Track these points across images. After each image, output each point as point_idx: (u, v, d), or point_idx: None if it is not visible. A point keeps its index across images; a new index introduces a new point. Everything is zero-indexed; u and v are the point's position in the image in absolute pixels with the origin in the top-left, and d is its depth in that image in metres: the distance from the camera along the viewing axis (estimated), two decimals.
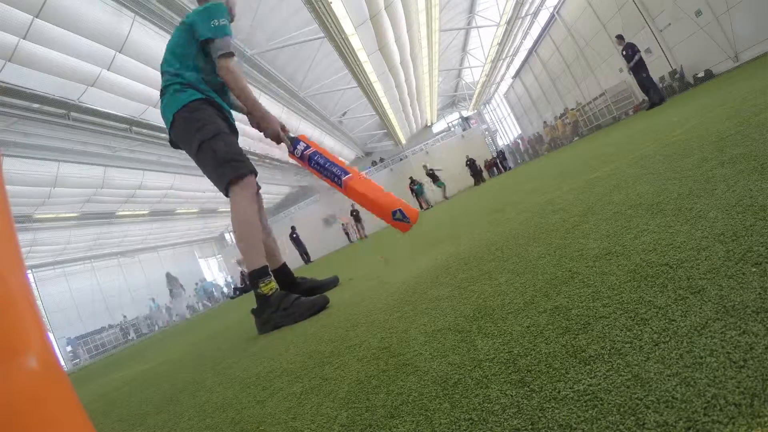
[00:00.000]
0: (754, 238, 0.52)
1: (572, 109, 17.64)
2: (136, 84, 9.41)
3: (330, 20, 9.33)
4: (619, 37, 8.85)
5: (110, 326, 19.37)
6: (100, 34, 7.73)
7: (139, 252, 23.48)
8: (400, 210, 1.57)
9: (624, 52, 8.52)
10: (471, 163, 17.78)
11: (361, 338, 0.89)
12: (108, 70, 8.73)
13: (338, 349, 0.88)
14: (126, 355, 5.38)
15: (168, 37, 8.70)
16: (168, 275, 21.17)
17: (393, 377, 0.60)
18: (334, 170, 1.70)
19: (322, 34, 10.33)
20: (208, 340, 2.43)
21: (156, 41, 8.57)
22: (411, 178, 16.71)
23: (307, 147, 1.78)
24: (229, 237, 30.21)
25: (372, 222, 19.14)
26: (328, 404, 0.61)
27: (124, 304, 21.03)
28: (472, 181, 18.43)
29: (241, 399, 0.82)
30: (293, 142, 1.80)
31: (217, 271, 29.79)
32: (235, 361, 1.24)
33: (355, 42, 11.02)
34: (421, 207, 15.55)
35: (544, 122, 20.96)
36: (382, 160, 25.60)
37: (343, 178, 1.67)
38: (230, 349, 1.57)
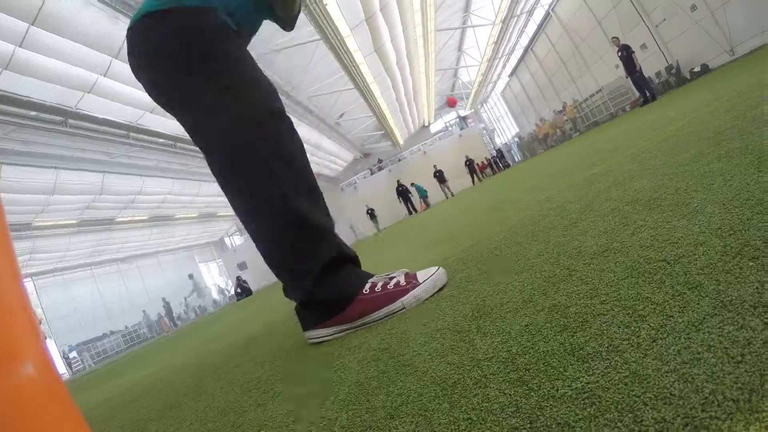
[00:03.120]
0: (751, 232, 0.52)
1: (570, 105, 17.65)
2: (132, 90, 9.40)
3: (325, 22, 9.35)
4: (615, 39, 9.01)
5: (111, 332, 19.38)
6: (96, 41, 7.74)
7: (139, 258, 23.46)
8: None
9: (620, 54, 8.66)
10: (470, 163, 17.98)
11: (360, 339, 0.89)
12: (104, 76, 8.73)
13: (338, 351, 0.88)
14: (127, 362, 5.37)
15: None
16: (191, 276, 22.49)
17: (393, 378, 0.60)
18: None
19: (318, 37, 10.34)
20: (208, 344, 2.43)
21: None
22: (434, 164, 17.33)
23: None
24: (229, 241, 30.18)
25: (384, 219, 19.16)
26: (327, 406, 0.61)
27: (125, 311, 21.01)
28: (470, 182, 18.64)
29: (242, 403, 0.82)
30: None
31: (218, 275, 29.76)
32: (236, 365, 1.24)
33: (351, 44, 11.04)
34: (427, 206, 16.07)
35: (541, 119, 20.97)
36: (380, 161, 25.62)
37: None
38: (231, 353, 1.57)
